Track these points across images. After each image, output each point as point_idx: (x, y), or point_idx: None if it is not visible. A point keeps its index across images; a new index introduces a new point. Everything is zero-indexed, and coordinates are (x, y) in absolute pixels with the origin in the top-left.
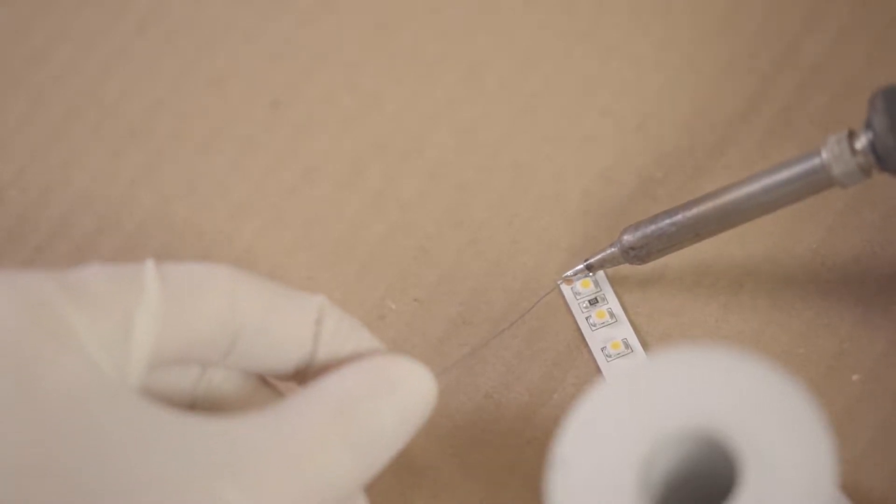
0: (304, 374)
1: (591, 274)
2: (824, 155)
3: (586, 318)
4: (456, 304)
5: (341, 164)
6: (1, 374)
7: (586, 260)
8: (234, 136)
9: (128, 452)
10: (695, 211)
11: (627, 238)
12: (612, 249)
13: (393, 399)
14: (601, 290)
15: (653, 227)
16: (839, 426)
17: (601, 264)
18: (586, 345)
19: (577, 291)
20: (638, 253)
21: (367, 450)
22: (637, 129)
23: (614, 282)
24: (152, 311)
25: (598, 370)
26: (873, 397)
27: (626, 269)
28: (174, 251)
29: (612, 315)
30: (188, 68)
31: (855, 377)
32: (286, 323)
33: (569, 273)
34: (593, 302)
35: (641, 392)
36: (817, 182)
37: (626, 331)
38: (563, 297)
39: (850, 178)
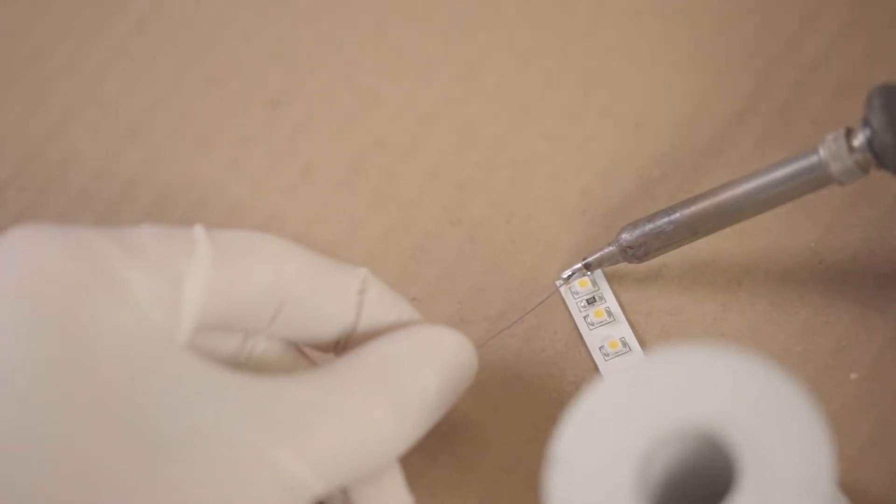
0: (345, 346)
1: (589, 273)
2: (822, 152)
3: (584, 317)
4: (454, 302)
5: (340, 163)
6: (57, 322)
7: (584, 259)
8: (233, 135)
9: (176, 404)
10: (692, 209)
11: (625, 237)
12: (610, 248)
13: (436, 365)
14: (599, 289)
15: (651, 226)
16: (837, 424)
17: (599, 263)
18: (584, 344)
19: (575, 291)
20: (636, 251)
21: (410, 414)
22: (636, 129)
23: (612, 281)
24: (202, 272)
25: (596, 369)
26: (871, 395)
27: (623, 268)
28: None
29: (609, 314)
30: (187, 67)
31: (853, 375)
32: (331, 292)
33: (567, 272)
34: (591, 301)
35: (639, 391)
36: (815, 180)
37: (623, 330)
38: (561, 296)
39: (848, 175)
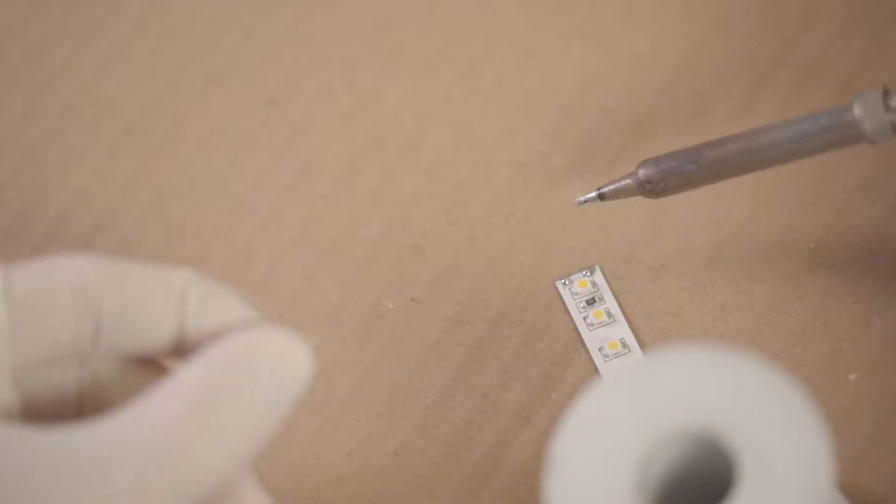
0: (183, 349)
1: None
2: (856, 109)
3: (584, 318)
4: (453, 303)
5: (339, 162)
6: None
7: (599, 188)
8: (232, 134)
9: None
10: (718, 152)
11: (644, 172)
12: (628, 181)
13: (259, 382)
14: (599, 289)
15: (672, 164)
16: (836, 425)
17: (614, 194)
18: (584, 345)
19: (575, 291)
20: (654, 187)
21: (230, 441)
22: (634, 128)
23: (612, 281)
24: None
25: (596, 370)
26: (870, 396)
27: (623, 269)
28: (171, 250)
29: (609, 315)
30: (185, 66)
31: (852, 376)
32: (147, 301)
33: (581, 199)
34: (591, 302)
35: (639, 392)
36: (846, 136)
37: (623, 331)
38: (560, 296)
39: (881, 135)
